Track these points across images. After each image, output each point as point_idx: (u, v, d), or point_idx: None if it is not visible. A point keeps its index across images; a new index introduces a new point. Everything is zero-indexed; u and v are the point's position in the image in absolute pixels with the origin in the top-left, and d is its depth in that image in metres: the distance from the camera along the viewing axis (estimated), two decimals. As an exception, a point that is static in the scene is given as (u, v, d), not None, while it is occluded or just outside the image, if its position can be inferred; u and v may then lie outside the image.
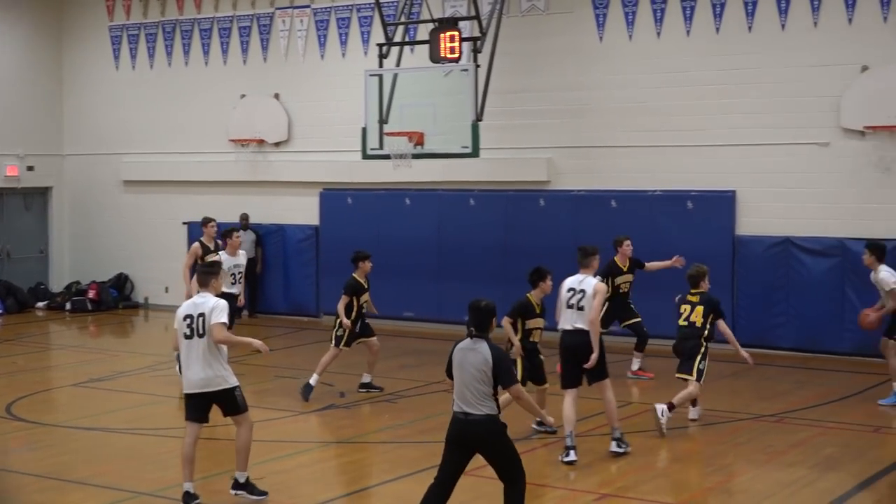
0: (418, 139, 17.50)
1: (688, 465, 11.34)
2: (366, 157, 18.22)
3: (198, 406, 9.96)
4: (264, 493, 10.16)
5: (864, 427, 13.08)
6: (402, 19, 19.20)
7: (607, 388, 11.76)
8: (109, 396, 14.87)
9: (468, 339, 8.53)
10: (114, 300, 24.05)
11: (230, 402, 9.93)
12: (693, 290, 13.02)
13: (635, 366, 16.17)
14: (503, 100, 19.17)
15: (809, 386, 15.17)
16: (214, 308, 9.75)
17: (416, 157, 17.72)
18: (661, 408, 12.55)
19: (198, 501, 9.94)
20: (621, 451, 11.61)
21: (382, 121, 17.76)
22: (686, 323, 12.90)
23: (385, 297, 20.33)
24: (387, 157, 17.81)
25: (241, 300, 16.15)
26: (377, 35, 20.02)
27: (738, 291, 18.00)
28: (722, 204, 18.21)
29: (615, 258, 16.04)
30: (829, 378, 15.21)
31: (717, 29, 18.31)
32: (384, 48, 18.47)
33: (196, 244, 16.54)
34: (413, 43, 19.34)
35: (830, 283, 17.33)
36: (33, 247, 25.38)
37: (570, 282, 11.95)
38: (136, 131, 24.45)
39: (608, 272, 15.75)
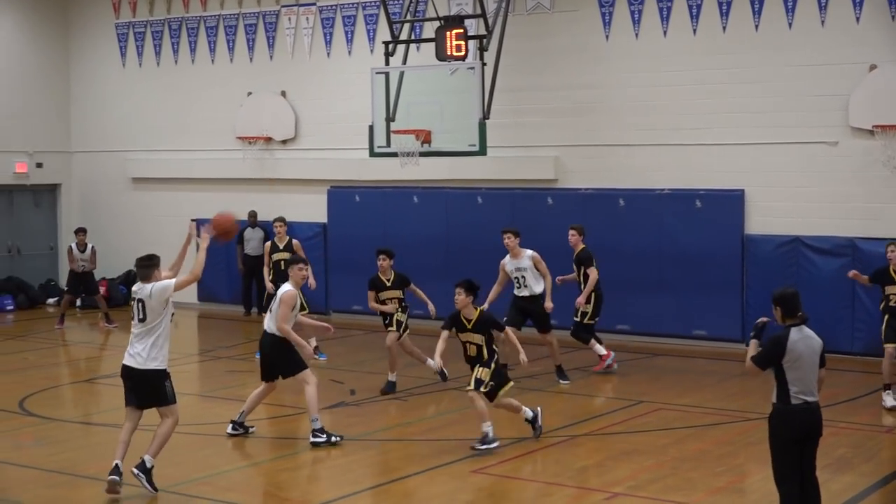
0: (425, 137, 17.52)
1: (698, 465, 11.34)
2: (373, 154, 18.24)
3: (133, 390, 10.50)
4: (155, 490, 10.34)
5: (875, 428, 13.08)
6: (408, 17, 19.20)
7: (306, 381, 12.16)
8: (120, 392, 14.86)
9: (797, 328, 8.57)
10: (123, 297, 24.07)
11: (160, 390, 10.39)
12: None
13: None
14: (510, 98, 19.18)
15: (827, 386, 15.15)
16: (154, 289, 10.36)
17: (423, 155, 17.73)
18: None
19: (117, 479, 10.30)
20: (321, 439, 12.00)
21: (389, 119, 17.77)
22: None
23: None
24: (394, 154, 17.83)
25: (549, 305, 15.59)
26: (383, 33, 20.05)
27: (747, 290, 17.99)
28: (731, 203, 18.20)
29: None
30: (839, 378, 15.18)
31: (724, 27, 18.30)
32: (390, 46, 18.47)
33: (268, 243, 17.80)
34: (419, 41, 19.37)
35: (840, 282, 17.26)
36: (43, 243, 25.43)
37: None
38: (144, 128, 24.50)
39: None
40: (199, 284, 23.56)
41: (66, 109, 25.55)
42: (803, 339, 8.55)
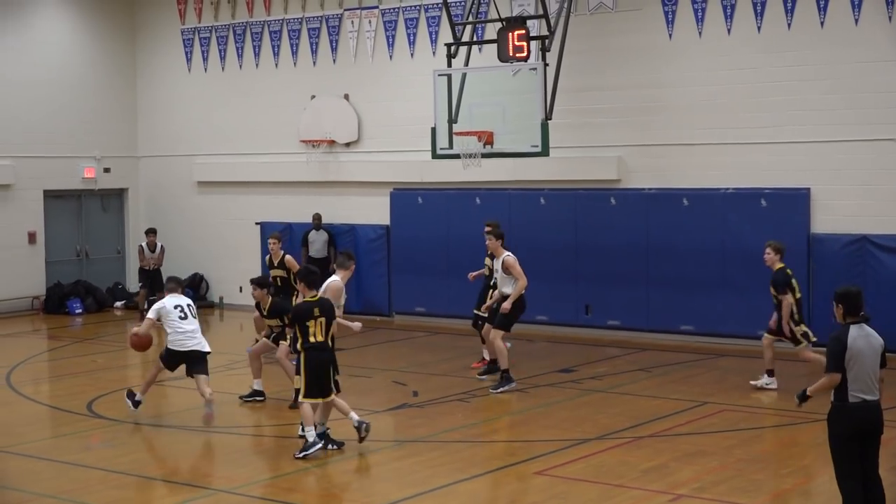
0: (488, 139, 17.51)
1: (764, 467, 11.23)
2: (435, 156, 18.28)
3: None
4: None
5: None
6: (470, 19, 19.22)
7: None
8: (186, 395, 15.07)
9: (856, 326, 8.58)
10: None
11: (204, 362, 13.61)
12: None
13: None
14: (572, 98, 19.12)
15: (890, 386, 14.90)
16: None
17: (485, 156, 17.73)
18: None
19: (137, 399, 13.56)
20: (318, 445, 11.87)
21: (452, 120, 17.79)
22: None
23: (456, 297, 20.40)
24: (456, 156, 17.84)
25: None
26: (445, 35, 20.08)
27: (813, 290, 17.74)
28: (796, 201, 17.99)
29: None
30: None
31: (789, 25, 18.09)
32: (452, 48, 18.51)
33: (268, 256, 17.83)
34: (481, 42, 19.36)
35: (909, 281, 17.05)
36: (111, 247, 25.83)
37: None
38: (209, 133, 24.76)
39: None
40: (264, 287, 23.76)
41: (133, 115, 25.92)
42: (863, 337, 8.51)
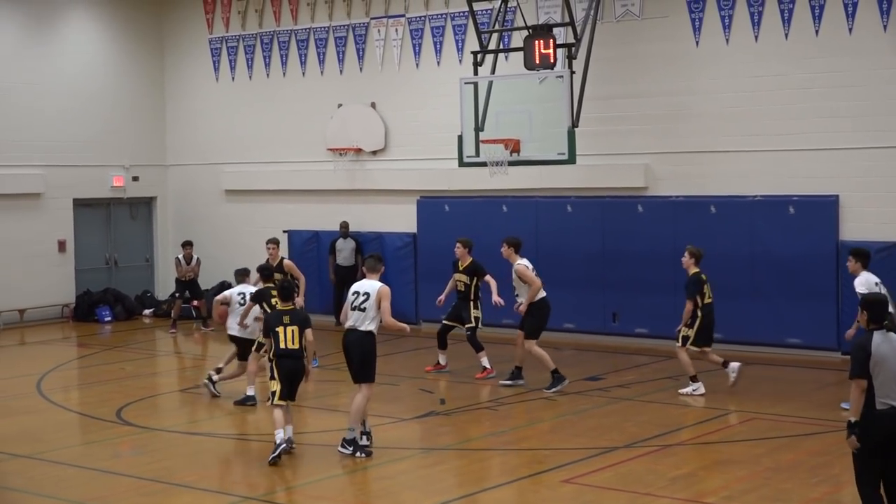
0: (514, 146, 17.54)
1: (792, 475, 11.18)
2: (462, 164, 18.32)
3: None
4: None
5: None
6: (497, 27, 19.24)
7: (363, 391, 12.07)
8: (215, 402, 15.15)
9: (879, 333, 8.57)
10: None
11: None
12: None
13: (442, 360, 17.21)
14: (599, 106, 19.11)
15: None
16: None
17: (512, 164, 17.75)
18: None
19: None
20: (347, 452, 11.97)
21: (478, 128, 17.83)
22: None
23: (484, 305, 20.33)
24: (483, 164, 17.87)
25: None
26: (471, 43, 20.12)
27: (842, 299, 17.66)
28: (825, 209, 17.91)
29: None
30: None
31: (817, 31, 18.02)
32: (479, 56, 18.54)
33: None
34: (507, 50, 19.39)
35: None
36: (139, 255, 26.01)
37: (356, 286, 12.36)
38: (236, 141, 24.88)
39: None
40: (292, 295, 23.85)
41: (162, 124, 26.09)
42: (887, 342, 8.49)
